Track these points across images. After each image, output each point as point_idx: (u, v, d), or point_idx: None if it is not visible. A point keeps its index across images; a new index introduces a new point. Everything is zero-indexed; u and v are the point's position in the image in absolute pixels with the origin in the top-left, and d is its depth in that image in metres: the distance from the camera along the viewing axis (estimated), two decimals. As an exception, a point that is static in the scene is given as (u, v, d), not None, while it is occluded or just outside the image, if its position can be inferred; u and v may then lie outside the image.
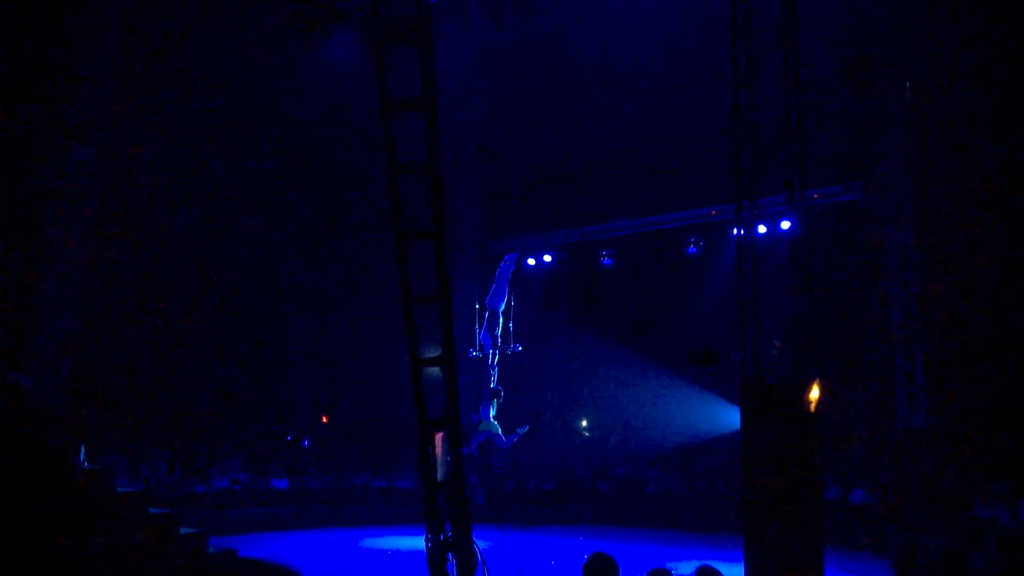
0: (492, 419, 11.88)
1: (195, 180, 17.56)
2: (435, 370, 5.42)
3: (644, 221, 17.30)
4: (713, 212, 15.89)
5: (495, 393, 12.04)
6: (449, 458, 5.51)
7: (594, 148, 18.03)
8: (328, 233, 19.62)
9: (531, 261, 19.23)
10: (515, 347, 12.38)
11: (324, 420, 19.98)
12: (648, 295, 19.18)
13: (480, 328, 12.24)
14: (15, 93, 12.79)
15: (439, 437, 5.83)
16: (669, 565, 5.78)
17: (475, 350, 12.38)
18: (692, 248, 16.91)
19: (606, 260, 18.15)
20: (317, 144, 18.62)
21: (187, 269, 17.85)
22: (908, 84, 14.72)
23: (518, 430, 11.95)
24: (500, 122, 18.83)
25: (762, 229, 11.67)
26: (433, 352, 5.39)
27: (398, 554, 13.54)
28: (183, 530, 8.61)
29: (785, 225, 13.54)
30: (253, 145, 18.14)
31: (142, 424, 16.69)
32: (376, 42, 5.45)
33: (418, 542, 11.88)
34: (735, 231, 11.42)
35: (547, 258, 19.04)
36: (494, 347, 12.01)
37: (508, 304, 12.34)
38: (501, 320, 12.13)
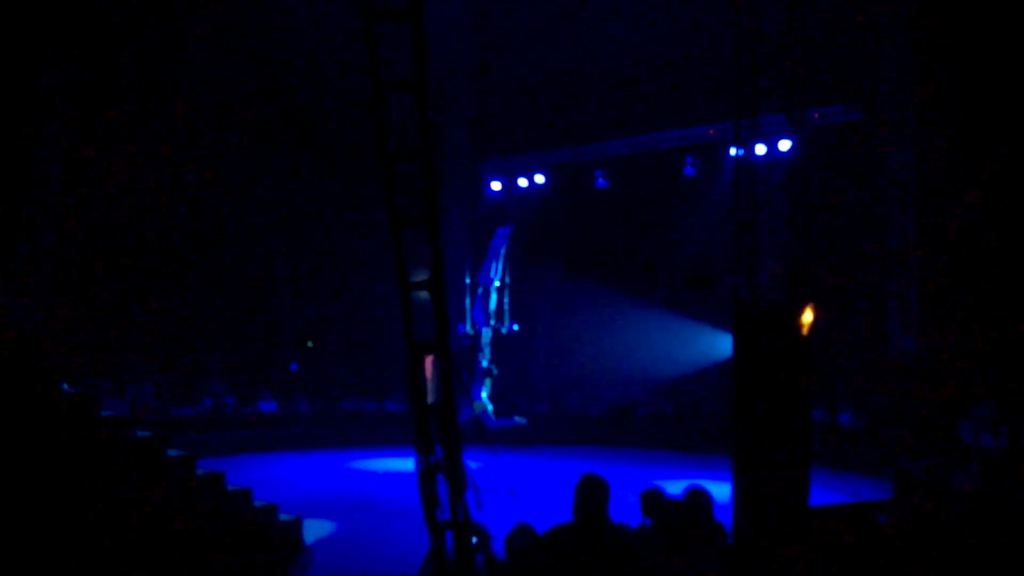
0: (485, 398, 11.41)
1: (177, 109, 17.02)
2: (424, 294, 5.23)
3: (640, 140, 16.88)
4: (711, 131, 15.46)
5: (487, 372, 11.47)
6: (439, 381, 5.37)
7: (588, 65, 17.45)
8: (313, 156, 19.15)
9: (523, 182, 18.85)
10: (511, 326, 11.73)
11: (310, 344, 19.91)
12: (643, 217, 18.89)
13: (472, 304, 11.56)
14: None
15: (429, 360, 5.69)
16: (659, 484, 5.72)
17: (465, 326, 11.75)
18: (689, 169, 16.53)
19: (600, 181, 17.78)
20: (298, 66, 17.98)
21: (171, 192, 17.45)
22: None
23: (516, 418, 11.51)
24: (491, 40, 18.18)
25: (761, 149, 11.32)
26: (422, 276, 5.19)
27: (388, 475, 13.63)
28: (170, 452, 8.53)
29: (784, 145, 13.21)
30: (234, 70, 17.52)
31: (127, 347, 16.55)
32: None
33: (407, 464, 11.89)
34: (733, 151, 11.15)
35: (539, 179, 18.67)
36: (487, 324, 11.44)
37: (503, 280, 11.63)
38: (495, 296, 11.50)
